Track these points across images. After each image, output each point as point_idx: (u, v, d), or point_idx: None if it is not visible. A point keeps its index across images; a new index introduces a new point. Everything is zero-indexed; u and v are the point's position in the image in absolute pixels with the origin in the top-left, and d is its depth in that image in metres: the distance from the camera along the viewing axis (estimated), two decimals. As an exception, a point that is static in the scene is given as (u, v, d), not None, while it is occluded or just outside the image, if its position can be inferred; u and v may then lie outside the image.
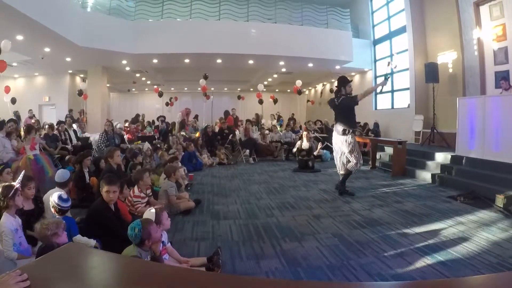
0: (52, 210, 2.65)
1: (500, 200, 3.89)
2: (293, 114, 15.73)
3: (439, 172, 5.76)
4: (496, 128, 5.07)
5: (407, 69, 9.45)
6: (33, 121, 9.16)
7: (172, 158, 5.77)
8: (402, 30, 9.61)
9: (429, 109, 8.33)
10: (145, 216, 2.38)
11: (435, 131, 7.60)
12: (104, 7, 9.51)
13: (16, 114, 9.75)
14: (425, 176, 5.92)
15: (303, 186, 5.64)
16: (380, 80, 10.54)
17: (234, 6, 10.34)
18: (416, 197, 4.70)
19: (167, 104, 13.78)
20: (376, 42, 11.56)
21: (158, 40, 9.32)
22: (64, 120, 8.22)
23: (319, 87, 17.32)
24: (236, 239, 3.17)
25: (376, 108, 11.34)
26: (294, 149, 7.96)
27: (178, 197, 4.19)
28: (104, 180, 2.91)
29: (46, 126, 7.16)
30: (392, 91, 10.72)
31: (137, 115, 13.67)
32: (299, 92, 12.73)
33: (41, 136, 6.79)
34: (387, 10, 10.76)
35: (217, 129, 10.12)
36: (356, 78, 12.69)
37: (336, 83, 4.88)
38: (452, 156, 5.80)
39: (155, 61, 10.79)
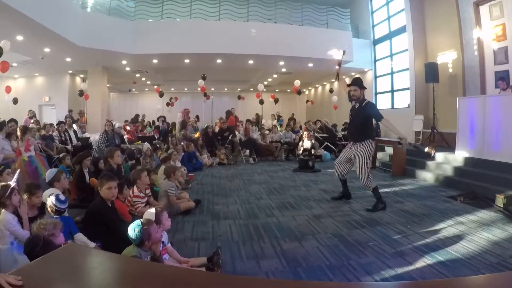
0: (49, 210, 2.65)
1: (500, 200, 3.89)
2: (293, 114, 15.74)
3: (441, 172, 5.76)
4: (496, 128, 5.07)
5: (407, 69, 9.45)
6: (32, 121, 9.17)
7: (165, 158, 5.76)
8: (402, 30, 9.61)
9: (429, 109, 8.33)
10: (145, 216, 2.38)
11: (435, 131, 7.59)
12: (104, 7, 9.51)
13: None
14: (425, 176, 5.92)
15: (303, 186, 5.64)
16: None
17: (234, 6, 10.34)
18: (416, 197, 4.70)
19: (167, 104, 13.78)
20: (376, 42, 11.56)
21: (158, 40, 9.31)
22: (64, 120, 8.22)
23: (319, 87, 17.34)
24: (236, 239, 3.17)
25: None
26: (300, 151, 7.94)
27: (178, 197, 4.19)
28: (104, 177, 2.92)
29: (47, 127, 7.16)
30: (392, 91, 10.72)
31: (137, 116, 13.68)
32: (299, 92, 12.73)
33: (41, 136, 6.80)
34: (387, 10, 10.76)
35: (217, 129, 10.12)
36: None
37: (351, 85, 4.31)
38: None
39: (155, 61, 10.78)
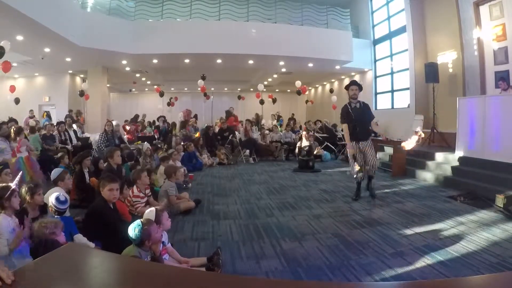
0: (49, 210, 2.66)
1: (500, 200, 3.89)
2: (293, 114, 15.74)
3: (441, 172, 5.76)
4: (496, 128, 5.07)
5: (407, 69, 9.45)
6: (30, 121, 9.17)
7: (164, 157, 5.76)
8: (402, 30, 9.61)
9: (429, 109, 8.33)
10: (146, 216, 2.38)
11: (435, 131, 7.59)
12: (104, 7, 9.51)
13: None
14: (425, 176, 5.92)
15: (303, 186, 5.64)
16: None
17: (234, 6, 10.34)
18: (416, 197, 4.70)
19: (168, 104, 13.78)
20: (376, 42, 11.55)
21: (158, 40, 9.31)
22: (64, 120, 8.23)
23: (319, 87, 17.34)
24: (236, 239, 3.17)
25: (376, 108, 11.33)
26: (297, 151, 7.94)
27: (178, 197, 4.19)
28: (105, 178, 2.91)
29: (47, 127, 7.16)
30: (392, 91, 10.72)
31: (136, 116, 13.67)
32: (299, 93, 12.74)
33: (41, 135, 6.80)
34: (387, 10, 10.76)
35: (217, 129, 10.12)
36: (356, 78, 12.68)
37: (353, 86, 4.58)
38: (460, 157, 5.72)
39: (155, 61, 10.78)
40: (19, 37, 7.49)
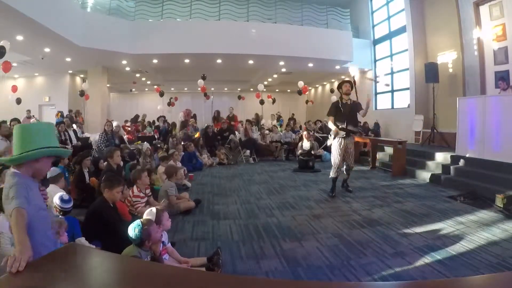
0: (54, 210, 2.66)
1: (500, 200, 3.89)
2: (293, 114, 15.73)
3: (441, 172, 5.76)
4: (496, 128, 5.07)
5: (407, 69, 9.45)
6: (31, 121, 9.17)
7: (163, 157, 5.76)
8: (402, 30, 9.61)
9: (429, 109, 8.33)
10: (146, 216, 2.38)
11: (435, 131, 7.59)
12: (104, 7, 9.51)
13: (62, 114, 9.85)
14: (425, 176, 5.92)
15: (303, 186, 5.64)
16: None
17: (234, 6, 10.34)
18: (416, 197, 4.70)
19: (169, 104, 13.78)
20: (376, 42, 11.55)
21: (158, 40, 9.31)
22: (64, 120, 8.22)
23: (319, 87, 17.34)
24: (236, 239, 3.17)
25: (376, 108, 11.33)
26: (298, 152, 7.94)
27: (178, 197, 4.20)
28: (112, 181, 2.90)
29: None
30: (392, 91, 10.72)
31: (137, 116, 13.67)
32: (300, 93, 12.74)
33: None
34: (387, 10, 10.76)
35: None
36: (356, 78, 12.66)
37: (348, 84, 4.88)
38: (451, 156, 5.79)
39: (155, 61, 10.78)
40: (19, 37, 7.49)
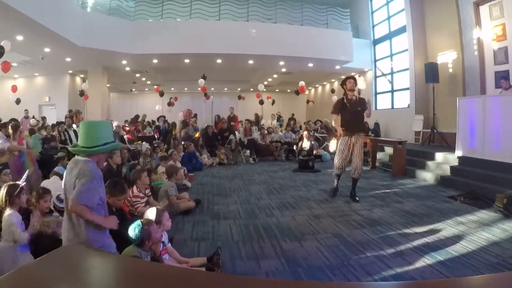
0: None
1: (500, 200, 3.89)
2: (293, 114, 15.72)
3: (441, 172, 5.76)
4: (496, 128, 5.06)
5: (407, 69, 9.45)
6: (32, 121, 9.18)
7: (163, 157, 5.75)
8: (402, 30, 9.61)
9: (429, 109, 8.33)
10: (146, 216, 2.38)
11: (435, 131, 7.59)
12: (104, 7, 9.51)
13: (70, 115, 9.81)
14: (425, 176, 5.92)
15: (303, 186, 5.64)
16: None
17: (234, 6, 10.34)
18: (416, 197, 4.70)
19: (168, 104, 13.79)
20: (376, 42, 11.55)
21: (158, 40, 9.31)
22: (64, 120, 8.22)
23: (319, 87, 17.34)
24: (236, 239, 3.17)
25: (376, 108, 11.33)
26: (298, 151, 7.94)
27: (178, 197, 4.20)
28: (116, 188, 2.76)
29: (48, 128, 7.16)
30: (392, 91, 10.72)
31: (137, 116, 13.67)
32: (297, 93, 12.73)
33: (43, 136, 6.81)
34: (387, 10, 10.76)
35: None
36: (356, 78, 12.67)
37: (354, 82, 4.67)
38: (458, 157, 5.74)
39: (155, 61, 10.78)
40: (19, 37, 7.49)
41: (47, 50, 8.77)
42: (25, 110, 10.20)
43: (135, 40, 9.28)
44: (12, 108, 9.45)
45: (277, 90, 18.26)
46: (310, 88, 18.37)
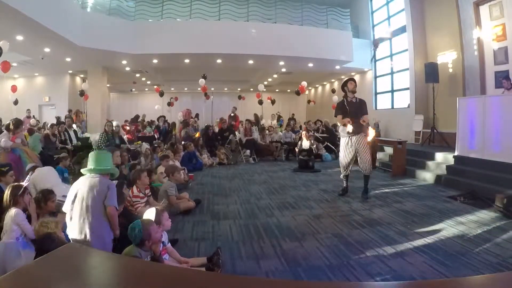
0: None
1: (500, 200, 3.89)
2: (293, 114, 15.73)
3: (441, 172, 5.76)
4: (496, 128, 5.06)
5: (407, 69, 9.45)
6: (32, 121, 9.18)
7: (162, 156, 5.74)
8: (402, 30, 9.61)
9: (429, 109, 8.33)
10: (146, 216, 2.38)
11: (435, 131, 7.59)
12: (104, 7, 9.51)
13: (70, 115, 9.80)
14: (425, 176, 5.92)
15: (303, 186, 5.63)
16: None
17: (234, 6, 10.34)
18: (416, 197, 4.70)
19: (169, 104, 13.80)
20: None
21: (158, 40, 9.31)
22: (64, 120, 8.22)
23: (319, 87, 17.34)
24: (236, 239, 3.17)
25: (376, 108, 11.34)
26: (297, 150, 7.95)
27: (178, 197, 4.19)
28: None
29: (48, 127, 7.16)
30: (392, 91, 10.72)
31: (137, 116, 13.69)
32: (298, 93, 12.73)
33: (43, 136, 6.81)
34: (387, 10, 10.76)
35: (217, 129, 10.12)
36: (356, 78, 12.64)
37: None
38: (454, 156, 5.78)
39: (155, 61, 10.79)
40: (19, 37, 7.49)
41: (47, 50, 8.77)
42: (28, 110, 10.21)
43: (135, 40, 9.28)
44: (12, 108, 9.42)
45: (277, 90, 18.26)
46: (310, 88, 18.37)
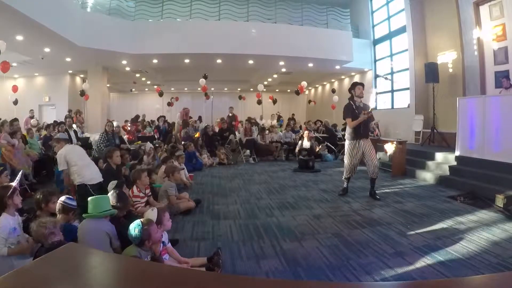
0: (56, 211, 2.65)
1: (500, 200, 3.89)
2: (293, 114, 15.73)
3: (441, 172, 5.76)
4: (496, 128, 5.07)
5: (407, 69, 9.45)
6: (32, 121, 9.18)
7: (165, 158, 5.73)
8: (402, 30, 9.61)
9: (429, 109, 8.33)
10: (147, 216, 2.38)
11: (435, 131, 7.59)
12: (104, 7, 9.51)
13: (70, 115, 9.75)
14: (425, 176, 5.92)
15: (303, 186, 5.63)
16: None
17: (234, 6, 10.34)
18: (416, 197, 4.70)
19: (168, 104, 13.79)
20: (376, 42, 11.55)
21: (158, 40, 9.32)
22: (64, 120, 8.21)
23: (319, 87, 17.34)
24: (236, 239, 3.17)
25: (376, 108, 11.31)
26: (297, 149, 7.95)
27: (178, 197, 4.19)
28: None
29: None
30: (392, 91, 10.72)
31: (137, 116, 13.69)
32: (297, 93, 12.72)
33: (41, 136, 6.82)
34: (387, 10, 10.76)
35: (216, 129, 10.11)
36: (356, 78, 12.68)
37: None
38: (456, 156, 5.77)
39: (155, 61, 10.79)
40: (19, 37, 7.49)
41: (47, 50, 8.77)
42: (31, 110, 10.22)
43: (135, 40, 9.28)
44: (12, 108, 9.43)
45: (277, 90, 18.26)
46: (310, 88, 18.38)
